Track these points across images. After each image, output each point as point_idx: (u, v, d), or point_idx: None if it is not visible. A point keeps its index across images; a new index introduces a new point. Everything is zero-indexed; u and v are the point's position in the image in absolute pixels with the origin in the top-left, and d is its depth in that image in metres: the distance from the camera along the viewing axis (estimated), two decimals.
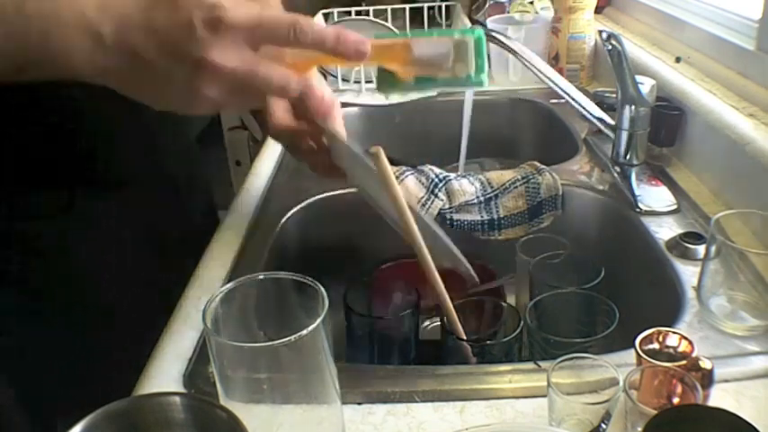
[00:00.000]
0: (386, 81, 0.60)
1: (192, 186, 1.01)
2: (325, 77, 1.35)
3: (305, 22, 0.48)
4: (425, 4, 1.58)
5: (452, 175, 0.93)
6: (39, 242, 0.80)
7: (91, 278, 0.85)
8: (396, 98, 1.29)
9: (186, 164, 0.99)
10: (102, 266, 0.86)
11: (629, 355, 0.57)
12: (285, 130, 0.68)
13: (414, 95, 1.28)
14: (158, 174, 0.89)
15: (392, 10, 1.53)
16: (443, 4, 1.65)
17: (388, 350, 0.75)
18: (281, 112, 0.67)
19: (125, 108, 0.58)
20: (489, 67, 1.38)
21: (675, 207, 0.85)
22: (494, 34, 0.97)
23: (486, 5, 1.51)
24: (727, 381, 0.58)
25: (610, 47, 0.84)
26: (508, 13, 1.44)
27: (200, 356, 0.64)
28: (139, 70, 0.49)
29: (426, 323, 0.90)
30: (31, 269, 0.82)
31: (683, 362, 0.53)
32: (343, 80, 1.32)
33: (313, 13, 1.42)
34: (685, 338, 0.56)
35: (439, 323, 0.72)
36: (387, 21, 1.46)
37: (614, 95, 0.92)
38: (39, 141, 0.74)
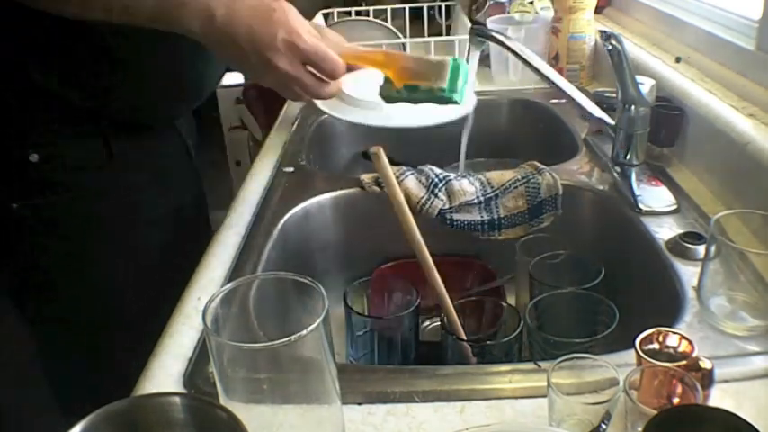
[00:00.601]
0: (385, 89, 0.77)
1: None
2: None
3: (336, 65, 0.74)
4: (425, 5, 1.58)
5: (452, 175, 0.93)
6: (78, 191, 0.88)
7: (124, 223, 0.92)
8: None
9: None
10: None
11: (629, 355, 0.57)
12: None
13: None
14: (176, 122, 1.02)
15: (392, 10, 1.53)
16: (443, 5, 1.65)
17: (387, 350, 0.75)
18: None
19: (154, 64, 0.87)
20: (489, 66, 1.38)
21: (675, 207, 0.85)
22: (494, 34, 0.97)
23: (486, 5, 1.51)
24: (727, 381, 0.58)
25: (610, 47, 0.83)
26: (508, 13, 1.44)
27: (201, 356, 0.64)
28: (232, 48, 0.72)
29: (426, 323, 0.90)
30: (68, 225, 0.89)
31: (683, 362, 0.53)
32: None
33: (313, 14, 1.42)
34: (685, 338, 0.56)
35: (439, 323, 0.72)
36: (387, 21, 1.46)
37: (614, 95, 0.92)
38: (76, 90, 0.84)
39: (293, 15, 0.72)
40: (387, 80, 0.77)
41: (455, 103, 0.75)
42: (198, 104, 1.04)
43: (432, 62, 0.76)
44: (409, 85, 0.75)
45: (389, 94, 0.77)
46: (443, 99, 0.75)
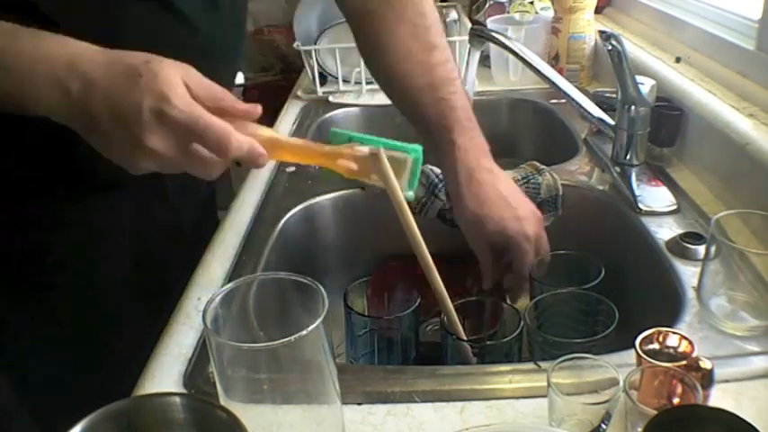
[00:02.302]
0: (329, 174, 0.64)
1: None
2: (326, 79, 1.35)
3: (222, 137, 0.54)
4: None
5: None
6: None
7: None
8: None
9: None
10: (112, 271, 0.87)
11: (629, 356, 0.57)
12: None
13: None
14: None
15: None
16: (443, 5, 1.65)
17: (387, 350, 0.75)
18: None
19: None
20: (489, 67, 1.38)
21: (675, 207, 0.85)
22: (494, 34, 0.97)
23: (487, 5, 1.51)
24: (727, 381, 0.58)
25: (610, 47, 0.83)
26: (508, 13, 1.44)
27: (201, 356, 0.64)
28: (93, 127, 0.56)
29: (426, 323, 0.90)
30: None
31: (684, 362, 0.53)
32: (344, 81, 1.32)
33: None
34: (685, 339, 0.56)
35: (439, 323, 0.72)
36: None
37: (614, 95, 0.92)
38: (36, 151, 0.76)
39: (165, 76, 0.54)
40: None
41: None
42: None
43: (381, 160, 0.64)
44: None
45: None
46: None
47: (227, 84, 1.00)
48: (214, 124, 0.54)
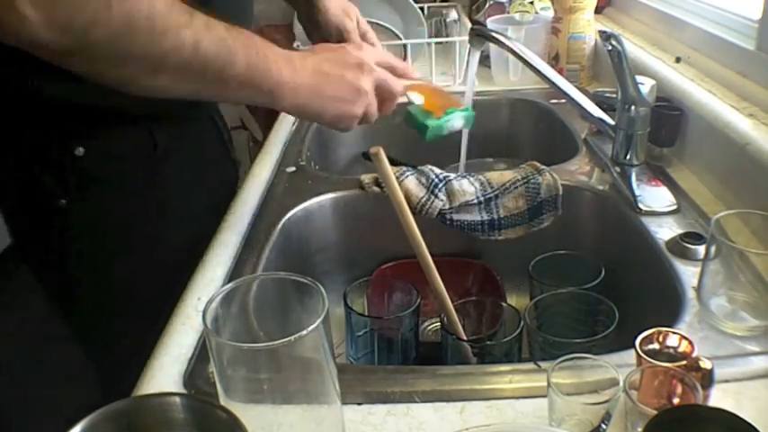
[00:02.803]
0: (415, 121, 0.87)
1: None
2: None
3: (397, 82, 0.82)
4: (426, 5, 1.58)
5: (452, 175, 0.93)
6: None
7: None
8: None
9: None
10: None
11: (629, 356, 0.57)
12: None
13: None
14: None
15: None
16: (443, 5, 1.65)
17: (387, 350, 0.76)
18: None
19: None
20: (489, 66, 1.38)
21: (675, 207, 0.85)
22: (494, 34, 0.97)
23: (487, 5, 1.51)
24: (727, 381, 0.58)
25: (610, 47, 0.83)
26: (508, 13, 1.44)
27: (201, 356, 0.64)
28: (323, 81, 0.75)
29: (426, 323, 0.91)
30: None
31: (684, 362, 0.53)
32: None
33: None
34: (685, 339, 0.56)
35: (439, 323, 0.72)
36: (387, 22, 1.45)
37: (614, 95, 0.92)
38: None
39: (358, 49, 0.80)
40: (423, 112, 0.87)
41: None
42: None
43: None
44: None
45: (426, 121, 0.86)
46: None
47: None
48: (390, 76, 0.80)
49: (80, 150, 0.82)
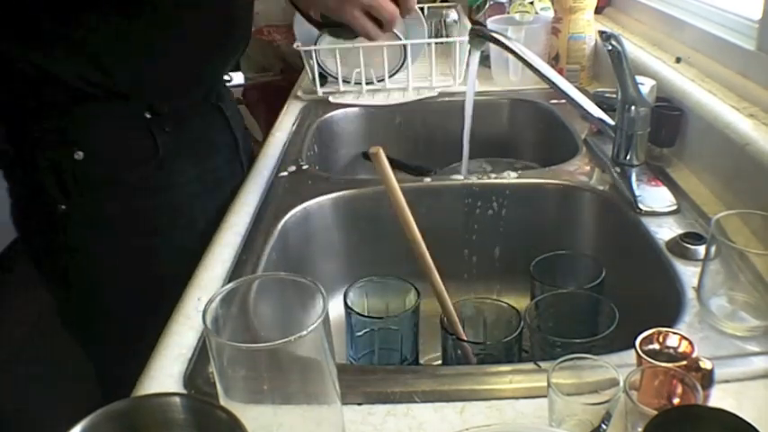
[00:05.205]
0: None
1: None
2: (326, 79, 1.35)
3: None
4: (426, 5, 1.58)
5: None
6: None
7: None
8: (396, 98, 1.29)
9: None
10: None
11: (629, 356, 0.57)
12: None
13: (414, 96, 1.29)
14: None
15: None
16: (443, 5, 1.65)
17: (388, 350, 0.75)
18: None
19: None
20: (489, 67, 1.38)
21: (675, 207, 0.85)
22: (494, 34, 0.97)
23: (486, 6, 1.51)
24: (727, 381, 0.58)
25: (610, 47, 0.83)
26: (508, 13, 1.44)
27: (201, 356, 0.64)
28: None
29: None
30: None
31: (684, 362, 0.53)
32: (344, 81, 1.32)
33: None
34: (685, 339, 0.56)
35: (439, 323, 0.72)
36: None
37: (614, 95, 0.92)
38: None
39: None
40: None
41: None
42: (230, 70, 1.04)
43: None
44: None
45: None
46: None
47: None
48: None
49: (79, 155, 0.82)
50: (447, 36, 1.51)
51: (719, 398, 0.55)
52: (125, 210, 0.88)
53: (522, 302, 0.79)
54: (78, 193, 0.85)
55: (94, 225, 0.88)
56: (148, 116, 0.87)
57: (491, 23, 1.38)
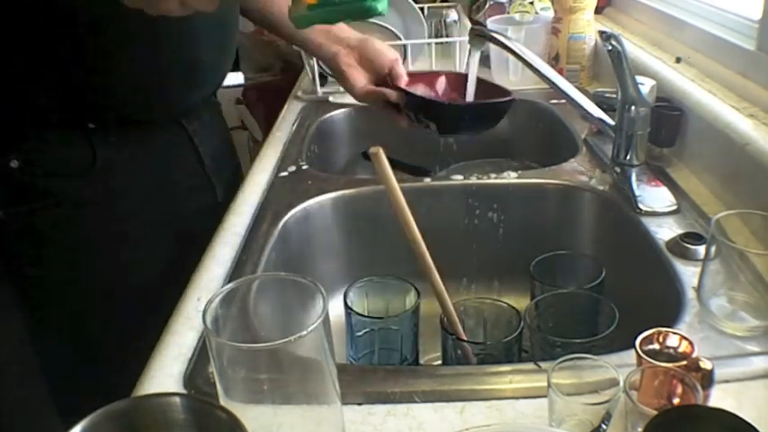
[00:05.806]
0: (295, 10, 0.61)
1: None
2: (326, 79, 1.35)
3: None
4: (426, 5, 1.58)
5: None
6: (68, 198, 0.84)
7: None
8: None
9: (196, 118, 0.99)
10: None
11: (629, 356, 0.57)
12: (369, 94, 0.95)
13: None
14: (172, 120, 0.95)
15: None
16: (443, 5, 1.65)
17: (388, 350, 0.75)
18: (362, 81, 0.95)
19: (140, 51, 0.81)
20: (489, 67, 1.38)
21: (675, 207, 0.85)
22: (494, 34, 0.97)
23: (486, 6, 1.51)
24: (727, 381, 0.58)
25: (610, 47, 0.83)
26: (508, 13, 1.44)
27: (201, 356, 0.64)
28: None
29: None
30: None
31: (684, 362, 0.53)
32: None
33: None
34: (685, 339, 0.56)
35: (439, 323, 0.72)
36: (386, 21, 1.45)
37: (614, 95, 0.92)
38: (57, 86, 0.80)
39: None
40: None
41: (378, 13, 0.59)
42: (208, 94, 0.99)
43: None
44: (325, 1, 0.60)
45: (300, 14, 0.61)
46: (363, 9, 0.59)
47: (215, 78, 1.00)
48: None
49: (15, 163, 0.81)
50: (447, 36, 1.51)
51: (719, 398, 0.55)
52: (58, 221, 0.86)
53: (522, 302, 0.79)
54: (13, 202, 0.84)
55: (28, 234, 0.86)
56: (91, 126, 0.84)
57: (491, 23, 1.38)
